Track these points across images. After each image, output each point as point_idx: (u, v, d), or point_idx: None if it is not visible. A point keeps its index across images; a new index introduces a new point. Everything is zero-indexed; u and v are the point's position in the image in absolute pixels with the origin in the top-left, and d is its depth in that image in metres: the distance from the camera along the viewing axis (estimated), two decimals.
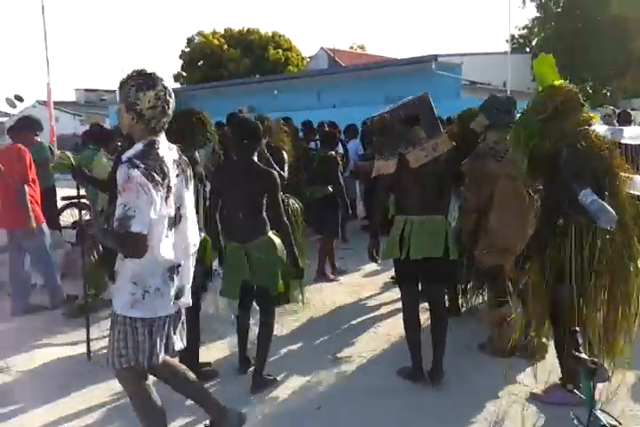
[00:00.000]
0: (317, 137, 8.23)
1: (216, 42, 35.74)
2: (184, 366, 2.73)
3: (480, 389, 3.44)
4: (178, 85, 36.78)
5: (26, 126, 5.49)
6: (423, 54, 18.17)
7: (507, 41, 20.21)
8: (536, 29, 31.75)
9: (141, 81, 2.27)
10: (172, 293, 2.39)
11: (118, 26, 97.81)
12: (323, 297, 5.42)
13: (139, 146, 2.32)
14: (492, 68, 19.91)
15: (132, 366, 2.37)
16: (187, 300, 2.52)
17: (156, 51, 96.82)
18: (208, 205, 3.64)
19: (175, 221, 2.36)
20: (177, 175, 2.36)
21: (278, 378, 3.63)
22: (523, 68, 26.40)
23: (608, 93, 29.70)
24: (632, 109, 30.76)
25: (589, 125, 2.96)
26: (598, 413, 1.78)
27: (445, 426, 3.08)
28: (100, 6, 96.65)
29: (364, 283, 5.91)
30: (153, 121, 2.31)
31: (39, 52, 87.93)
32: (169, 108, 2.34)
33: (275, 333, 3.70)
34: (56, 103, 20.53)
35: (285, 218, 3.47)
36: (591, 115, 3.00)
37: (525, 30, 33.28)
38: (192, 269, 2.52)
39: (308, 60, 36.47)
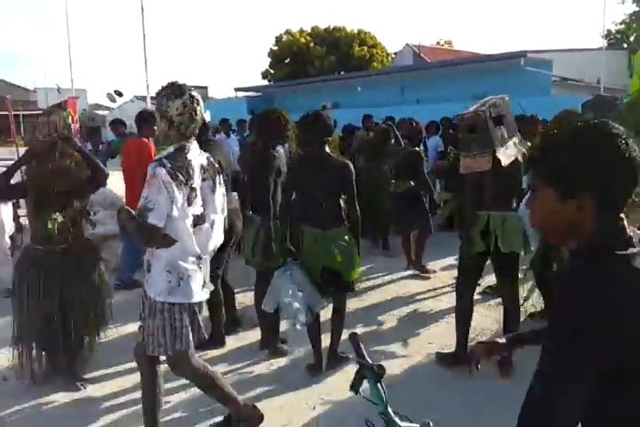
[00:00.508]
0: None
1: (303, 40, 36.41)
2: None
3: None
4: (265, 82, 37.86)
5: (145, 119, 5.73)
6: (512, 51, 17.79)
7: (602, 36, 19.42)
8: (634, 25, 30.05)
9: (170, 91, 2.51)
10: (202, 280, 2.61)
11: (211, 26, 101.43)
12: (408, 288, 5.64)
13: (170, 149, 2.56)
14: (585, 65, 19.15)
15: (174, 354, 2.57)
16: (210, 288, 2.73)
17: (245, 50, 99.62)
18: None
19: (200, 219, 2.57)
20: (203, 179, 2.58)
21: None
22: (618, 65, 25.10)
23: None
24: None
25: None
26: (393, 415, 1.64)
27: None
28: (194, 7, 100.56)
29: (441, 276, 6.04)
30: (182, 126, 2.52)
31: (138, 49, 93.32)
32: (196, 114, 2.54)
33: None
34: (153, 98, 21.83)
35: (358, 209, 3.60)
36: None
37: (623, 25, 31.61)
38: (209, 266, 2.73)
39: (394, 56, 36.41)
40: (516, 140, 3.59)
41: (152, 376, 2.69)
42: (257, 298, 3.98)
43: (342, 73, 34.64)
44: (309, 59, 35.74)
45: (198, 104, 2.57)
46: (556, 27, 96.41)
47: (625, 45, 31.01)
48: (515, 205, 3.68)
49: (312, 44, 36.27)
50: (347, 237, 3.57)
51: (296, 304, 3.40)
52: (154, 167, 2.45)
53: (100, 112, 42.07)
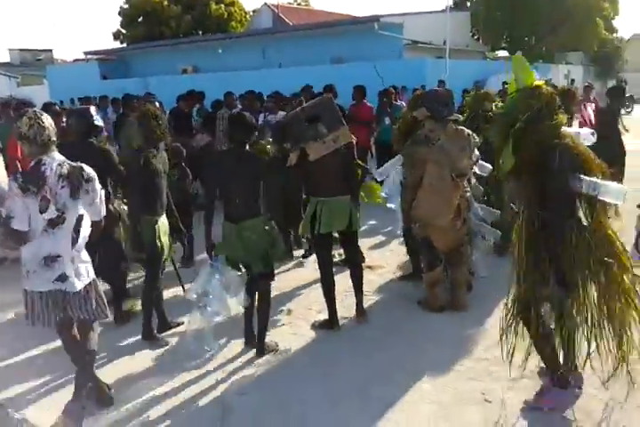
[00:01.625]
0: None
1: None
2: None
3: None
4: (118, 44, 35.64)
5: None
6: (366, 11, 18.46)
7: None
8: None
9: (16, 114, 2.96)
10: (50, 276, 2.90)
11: None
12: None
13: (30, 165, 2.90)
14: (432, 27, 20.39)
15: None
16: (71, 283, 2.95)
17: (93, 7, 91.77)
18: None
19: (58, 222, 2.86)
20: (61, 187, 2.84)
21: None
22: (463, 26, 27.00)
23: (544, 49, 30.75)
24: (566, 63, 31.66)
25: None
26: None
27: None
28: None
29: None
30: (37, 138, 2.82)
31: None
32: (43, 122, 2.84)
33: None
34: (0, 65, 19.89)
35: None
36: (563, 118, 3.01)
37: None
38: (77, 261, 2.99)
39: (252, 14, 35.83)
40: (339, 133, 3.99)
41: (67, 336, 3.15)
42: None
43: (200, 33, 33.56)
44: (164, 18, 34.04)
45: (42, 114, 2.89)
46: None
47: (468, 4, 33.20)
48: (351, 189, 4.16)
49: (166, 3, 34.54)
50: (263, 228, 3.73)
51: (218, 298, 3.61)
52: (9, 182, 2.89)
53: None
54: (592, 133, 3.25)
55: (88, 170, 2.95)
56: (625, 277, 2.86)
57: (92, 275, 3.07)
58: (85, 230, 3.00)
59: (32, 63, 35.94)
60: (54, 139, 2.90)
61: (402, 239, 5.29)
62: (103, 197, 3.07)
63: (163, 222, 4.10)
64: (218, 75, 18.65)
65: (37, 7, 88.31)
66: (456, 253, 4.38)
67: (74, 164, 2.93)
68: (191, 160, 6.05)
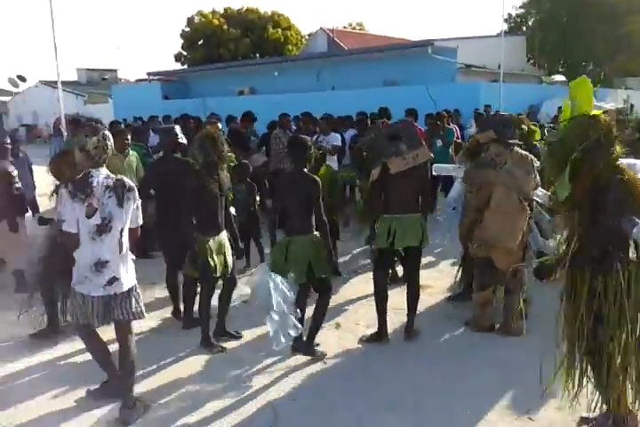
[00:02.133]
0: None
1: (216, 21, 35.92)
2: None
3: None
4: (179, 65, 37.13)
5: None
6: (421, 34, 18.88)
7: (504, 20, 20.60)
8: (533, 11, 32.05)
9: (89, 130, 3.18)
10: (102, 281, 3.18)
11: (121, 6, 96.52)
12: None
13: (79, 176, 3.21)
14: (487, 52, 20.39)
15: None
16: (120, 285, 3.24)
17: (156, 30, 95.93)
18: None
19: (104, 229, 3.16)
20: (109, 197, 3.16)
21: None
22: (518, 51, 26.86)
23: (602, 74, 30.18)
24: (626, 88, 31.08)
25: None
26: None
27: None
28: None
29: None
30: (96, 157, 3.18)
31: (43, 31, 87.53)
32: (108, 148, 3.21)
33: None
34: (64, 84, 20.92)
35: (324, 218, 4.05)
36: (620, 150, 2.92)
37: (522, 10, 33.57)
38: (123, 264, 3.26)
39: (307, 38, 36.72)
40: (419, 151, 4.24)
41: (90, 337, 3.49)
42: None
43: (257, 56, 34.62)
44: (223, 41, 35.36)
45: (109, 140, 3.23)
46: (461, 13, 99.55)
47: (524, 29, 33.03)
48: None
49: (225, 26, 35.88)
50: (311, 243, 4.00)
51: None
52: (60, 190, 3.25)
53: (1, 98, 39.79)
54: None
55: (128, 181, 3.31)
56: None
57: (135, 277, 3.37)
58: (127, 237, 3.32)
59: (98, 82, 37.67)
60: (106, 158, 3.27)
61: (452, 260, 5.37)
62: (140, 206, 3.38)
63: (218, 241, 4.21)
64: (273, 96, 19.18)
65: (103, 29, 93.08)
66: (514, 278, 4.36)
67: (117, 176, 3.28)
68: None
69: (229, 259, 4.30)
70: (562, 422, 3.17)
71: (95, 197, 3.13)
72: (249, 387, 3.72)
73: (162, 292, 5.36)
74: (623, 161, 2.96)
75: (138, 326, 4.67)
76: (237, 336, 4.46)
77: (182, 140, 4.80)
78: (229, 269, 4.34)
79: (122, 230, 3.23)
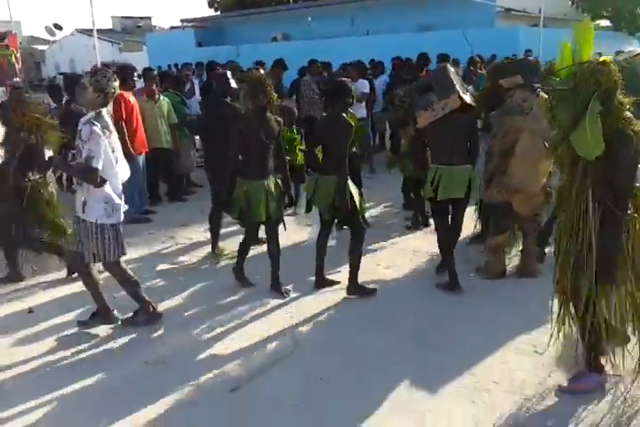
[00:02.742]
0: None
1: None
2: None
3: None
4: (212, 11, 36.52)
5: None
6: None
7: None
8: None
9: (110, 74, 3.45)
10: (123, 207, 3.58)
11: None
12: None
13: (92, 113, 3.44)
14: None
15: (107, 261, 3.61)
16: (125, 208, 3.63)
17: None
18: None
19: (115, 161, 3.51)
20: (111, 132, 3.47)
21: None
22: None
23: None
24: None
25: None
26: None
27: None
28: None
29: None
30: (109, 98, 3.44)
31: None
32: (115, 90, 3.49)
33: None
34: (100, 32, 21.07)
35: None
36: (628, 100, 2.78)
37: None
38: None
39: None
40: (449, 100, 4.22)
41: (88, 274, 3.74)
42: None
43: (291, 1, 33.74)
44: None
45: (111, 74, 3.50)
46: None
47: None
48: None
49: None
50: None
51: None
52: (91, 126, 3.33)
53: (39, 47, 40.11)
54: None
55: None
56: None
57: None
58: (125, 170, 3.68)
59: (132, 30, 37.61)
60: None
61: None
62: None
63: (260, 186, 4.16)
64: (307, 42, 18.91)
65: None
66: (532, 221, 4.46)
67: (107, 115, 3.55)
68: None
69: (273, 205, 4.20)
70: (567, 356, 3.31)
71: (113, 134, 3.49)
72: (274, 316, 3.99)
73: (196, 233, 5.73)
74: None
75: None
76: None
77: (233, 84, 4.95)
78: (273, 216, 4.23)
79: None
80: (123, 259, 3.74)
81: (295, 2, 31.44)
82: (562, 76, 2.87)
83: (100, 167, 3.33)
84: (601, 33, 17.50)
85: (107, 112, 3.57)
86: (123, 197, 3.61)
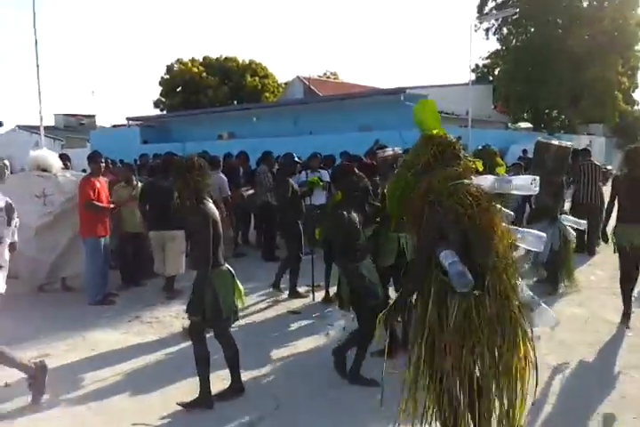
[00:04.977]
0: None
1: (195, 69, 36.98)
2: None
3: None
4: (158, 111, 37.82)
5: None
6: (393, 82, 19.73)
7: (470, 70, 21.80)
8: (499, 61, 33.77)
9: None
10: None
11: (99, 52, 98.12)
12: None
13: None
14: (456, 99, 21.45)
15: None
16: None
17: (135, 78, 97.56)
18: None
19: None
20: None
21: None
22: (484, 98, 28.23)
23: (566, 121, 31.70)
24: (589, 134, 32.30)
25: (467, 178, 2.66)
26: None
27: None
28: (80, 31, 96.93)
29: None
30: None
31: (21, 76, 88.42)
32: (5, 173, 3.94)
33: None
34: (35, 128, 21.16)
35: None
36: (473, 165, 2.71)
37: (489, 60, 35.35)
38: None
39: (284, 86, 37.91)
40: None
41: None
42: None
43: (235, 103, 35.54)
44: (202, 88, 36.33)
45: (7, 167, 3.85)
46: (432, 61, 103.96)
47: (490, 78, 34.70)
48: None
49: (204, 74, 36.93)
50: None
51: None
52: None
53: None
54: (532, 181, 2.74)
55: (11, 202, 3.80)
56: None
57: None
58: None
59: (76, 128, 38.06)
60: None
61: None
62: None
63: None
64: (252, 140, 19.75)
65: (82, 76, 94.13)
66: None
67: (6, 198, 3.78)
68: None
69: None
70: None
71: None
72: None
73: None
74: (490, 180, 2.73)
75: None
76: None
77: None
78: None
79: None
80: None
81: (240, 104, 33.20)
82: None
83: None
84: (523, 134, 19.30)
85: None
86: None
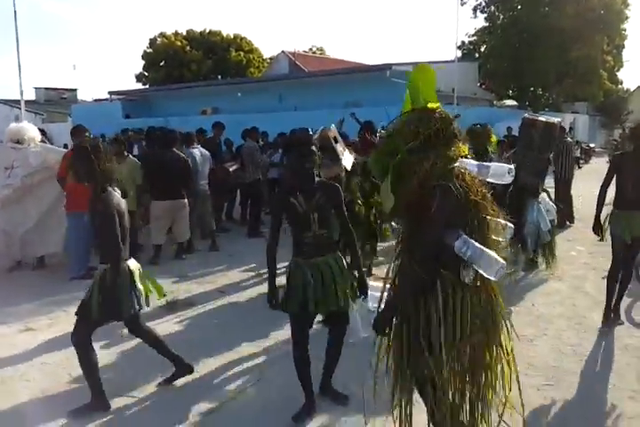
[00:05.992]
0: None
1: (178, 43, 36.32)
2: None
3: None
4: (140, 86, 37.18)
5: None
6: (379, 58, 19.56)
7: (457, 47, 21.69)
8: (486, 39, 33.60)
9: None
10: None
11: (81, 26, 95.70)
12: None
13: None
14: (442, 76, 21.27)
15: None
16: None
17: (117, 51, 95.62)
18: None
19: None
20: None
21: None
22: (470, 75, 28.13)
23: (550, 99, 31.77)
24: (573, 113, 32.45)
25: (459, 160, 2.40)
26: None
27: None
28: (62, 3, 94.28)
29: None
30: None
31: (1, 50, 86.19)
32: None
33: None
34: (15, 101, 20.71)
35: None
36: (463, 148, 2.38)
37: (475, 37, 35.13)
38: None
39: (269, 61, 37.41)
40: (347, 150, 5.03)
41: None
42: None
43: (219, 77, 35.05)
44: (185, 62, 35.75)
45: None
46: (418, 38, 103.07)
47: (477, 55, 34.57)
48: None
49: (188, 48, 36.30)
50: None
51: None
52: None
53: None
54: (509, 171, 2.46)
55: None
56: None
57: None
58: None
59: (57, 102, 37.34)
60: None
61: None
62: None
63: None
64: (236, 116, 19.53)
65: (63, 49, 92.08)
66: None
67: None
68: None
69: None
70: None
71: None
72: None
73: None
74: (472, 164, 2.44)
75: None
76: None
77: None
78: None
79: None
80: None
81: (224, 79, 32.75)
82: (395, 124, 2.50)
83: None
84: (507, 112, 19.33)
85: None
86: None
